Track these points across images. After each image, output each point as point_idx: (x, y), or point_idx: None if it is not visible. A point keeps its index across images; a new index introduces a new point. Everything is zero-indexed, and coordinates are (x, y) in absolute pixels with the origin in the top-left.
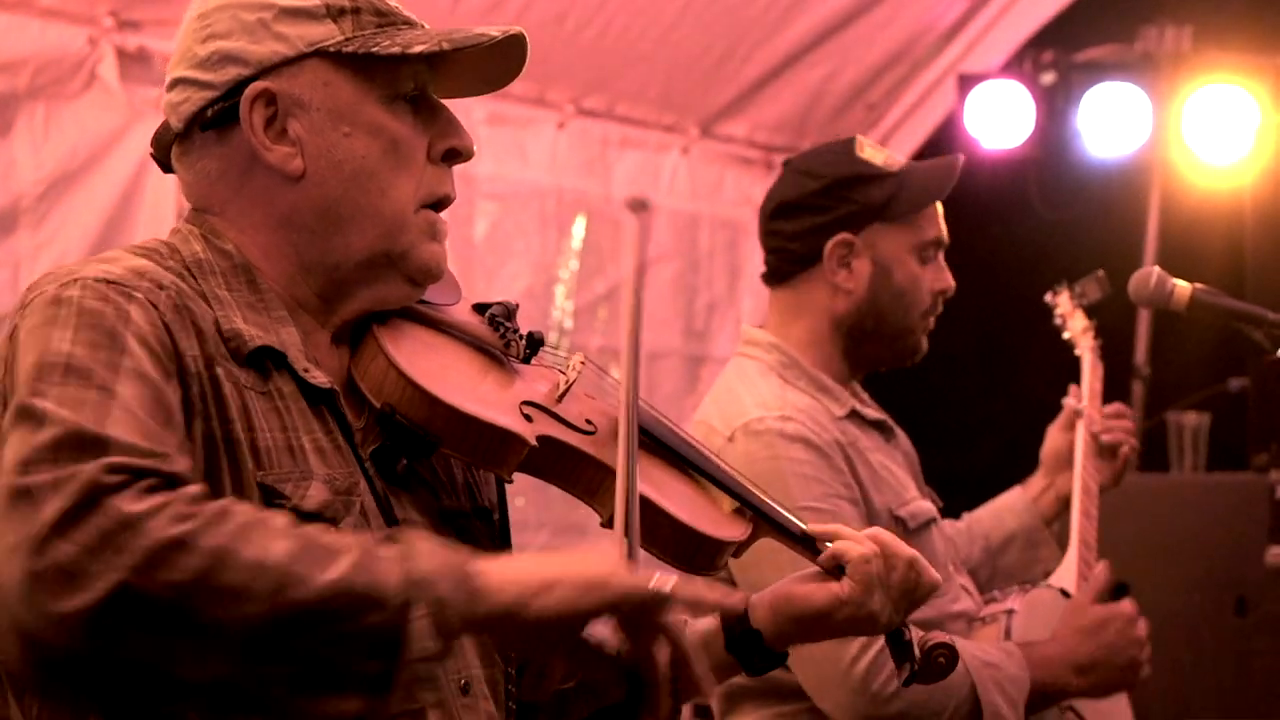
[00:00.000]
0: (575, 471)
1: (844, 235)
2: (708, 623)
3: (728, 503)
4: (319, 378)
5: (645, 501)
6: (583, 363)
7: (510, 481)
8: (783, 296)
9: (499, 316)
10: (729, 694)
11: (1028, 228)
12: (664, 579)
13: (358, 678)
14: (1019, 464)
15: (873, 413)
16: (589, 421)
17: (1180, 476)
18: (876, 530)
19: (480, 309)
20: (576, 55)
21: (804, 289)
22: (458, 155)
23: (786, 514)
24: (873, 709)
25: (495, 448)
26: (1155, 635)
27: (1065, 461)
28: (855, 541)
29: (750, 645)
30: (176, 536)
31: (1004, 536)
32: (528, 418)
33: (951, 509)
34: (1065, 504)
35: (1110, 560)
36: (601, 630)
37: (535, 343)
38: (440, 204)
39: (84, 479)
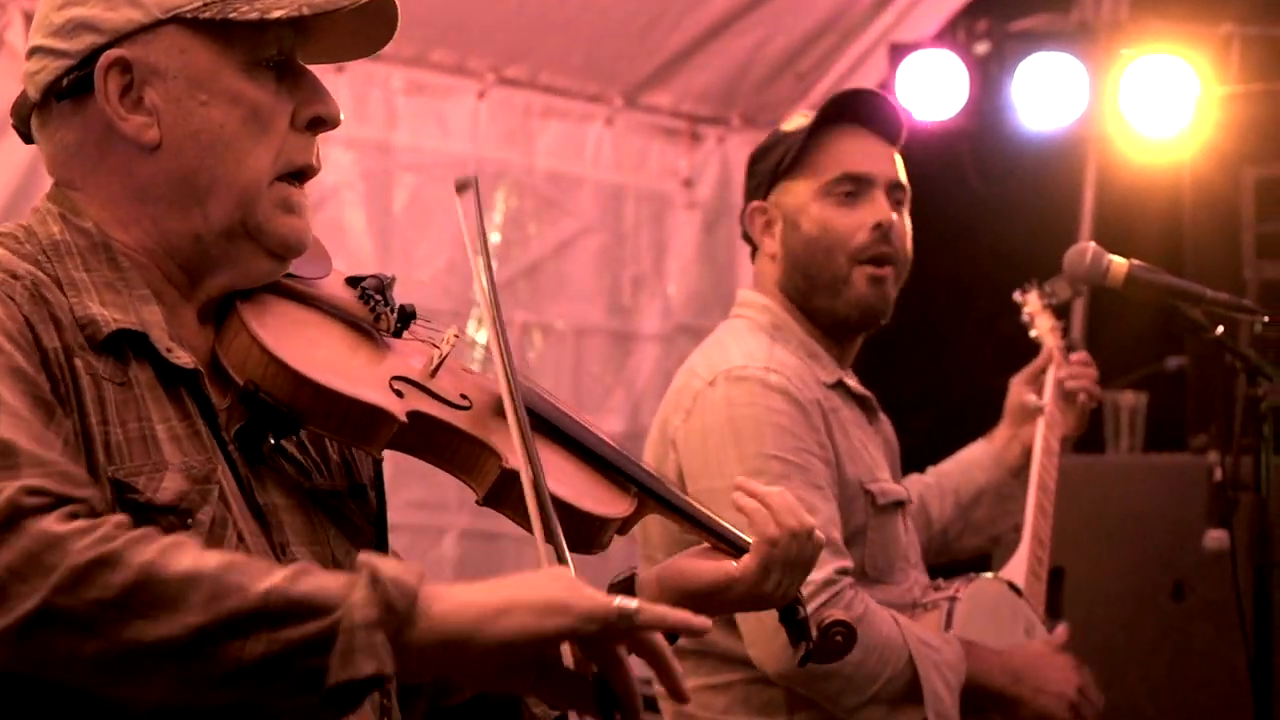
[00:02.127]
0: (449, 448)
1: (755, 204)
2: None
3: (609, 478)
4: (182, 357)
5: (520, 478)
6: (456, 335)
7: (380, 459)
8: (756, 266)
9: (370, 290)
10: None
11: (961, 201)
12: (626, 599)
13: (301, 676)
14: (953, 439)
15: (860, 388)
16: (464, 396)
17: (1117, 458)
18: (780, 492)
19: (353, 282)
20: (497, 22)
21: (756, 266)
22: (322, 123)
23: (676, 491)
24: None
25: (363, 424)
26: (1090, 620)
27: (1030, 412)
28: (762, 520)
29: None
30: (102, 554)
31: (974, 492)
32: (398, 393)
33: None
34: (1029, 454)
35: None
36: (565, 654)
37: (406, 316)
38: (302, 174)
39: (3, 501)
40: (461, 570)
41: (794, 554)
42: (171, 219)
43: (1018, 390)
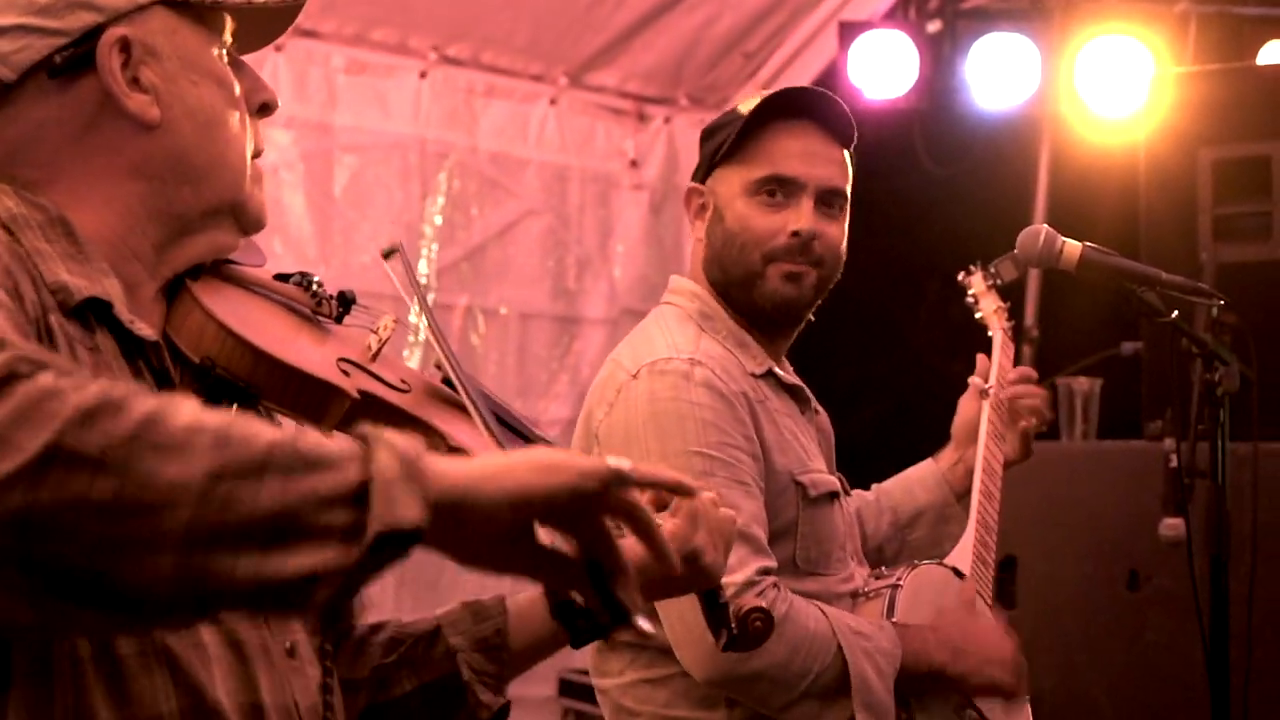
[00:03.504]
0: (395, 428)
1: (693, 185)
2: (530, 593)
3: None
4: (143, 329)
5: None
6: (395, 322)
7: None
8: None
9: (302, 281)
10: (604, 644)
11: (912, 183)
12: (620, 458)
13: (324, 529)
14: (903, 429)
15: (791, 377)
16: (404, 381)
17: (1070, 444)
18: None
19: (282, 278)
20: (440, 0)
21: (692, 249)
22: (267, 109)
23: None
24: (730, 666)
25: (318, 400)
26: (1044, 610)
27: (976, 434)
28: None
29: (575, 611)
30: (107, 400)
31: (913, 510)
32: (345, 373)
33: None
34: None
35: (998, 531)
36: (547, 537)
37: (347, 302)
38: (257, 156)
39: None
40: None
41: (718, 519)
42: (159, 197)
43: (964, 409)
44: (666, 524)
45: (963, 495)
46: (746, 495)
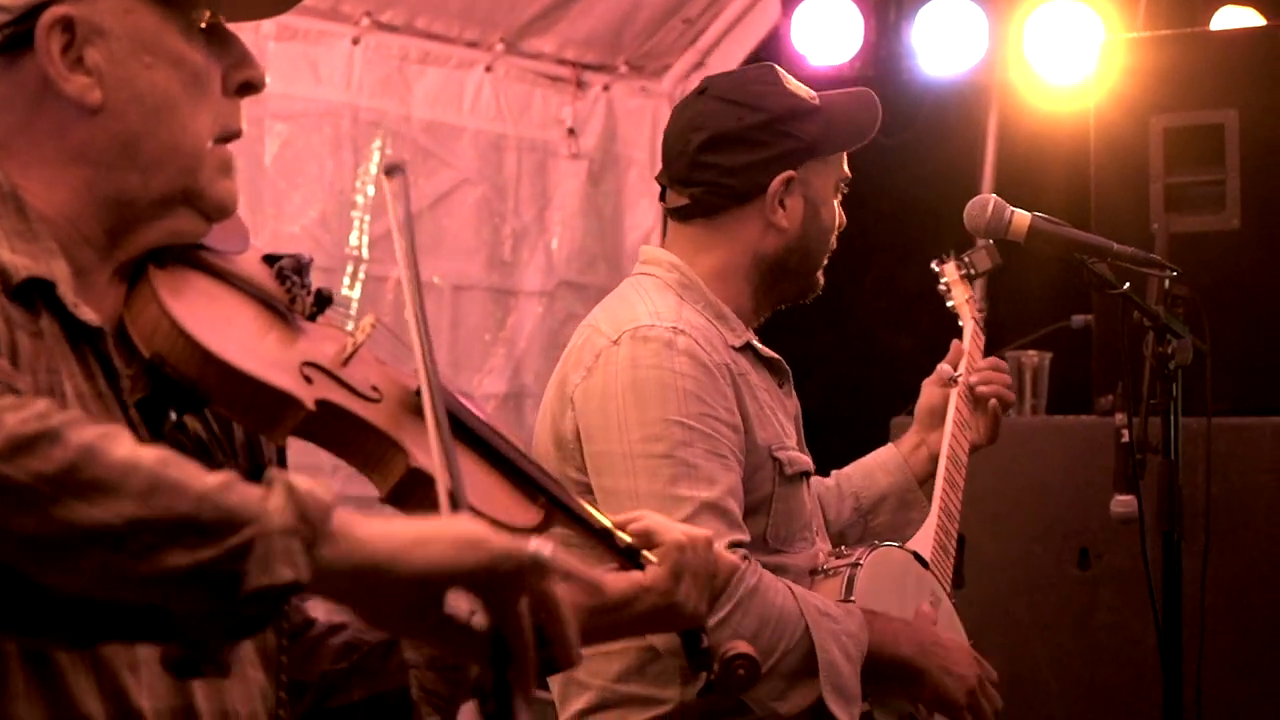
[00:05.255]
0: (355, 441)
1: (789, 173)
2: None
3: (515, 486)
4: (87, 314)
5: (429, 478)
6: (373, 325)
7: (283, 446)
8: (697, 228)
9: (288, 270)
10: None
11: (857, 152)
12: (542, 543)
13: (221, 585)
14: (849, 401)
15: (768, 352)
16: (375, 389)
17: (1019, 419)
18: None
19: (270, 260)
20: None
21: (732, 224)
22: (251, 87)
23: (583, 504)
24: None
25: (269, 409)
26: (992, 589)
27: (939, 418)
28: (663, 527)
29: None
30: (43, 429)
31: (875, 496)
32: (308, 380)
33: None
34: (936, 462)
35: None
36: (458, 604)
37: (323, 300)
38: (230, 139)
39: None
40: None
41: (705, 564)
42: (106, 183)
43: (927, 394)
44: (649, 572)
45: (924, 480)
46: (725, 468)
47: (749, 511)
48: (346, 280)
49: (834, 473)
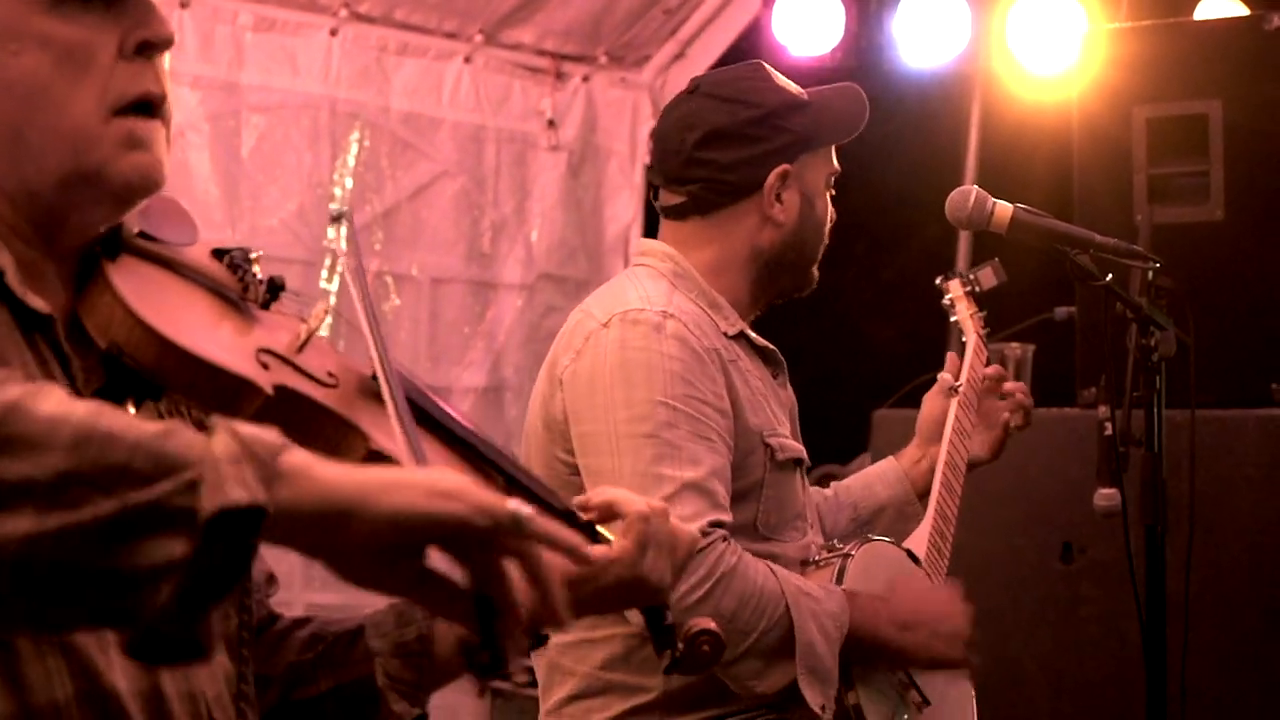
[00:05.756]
0: (315, 426)
1: (785, 166)
2: None
3: (474, 470)
4: (36, 302)
5: (389, 460)
6: (325, 311)
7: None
8: (693, 225)
9: (239, 260)
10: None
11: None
12: (521, 503)
13: (166, 525)
14: (831, 393)
15: (763, 341)
16: (331, 374)
17: None
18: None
19: (219, 254)
20: None
21: (728, 220)
22: (152, 46)
23: (543, 484)
24: (674, 613)
25: (228, 395)
26: (975, 583)
27: (940, 431)
28: (627, 497)
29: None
30: None
31: (874, 507)
32: (264, 366)
33: None
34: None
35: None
36: (440, 563)
37: (275, 288)
38: (142, 104)
39: None
40: None
41: (668, 536)
42: (8, 177)
43: (929, 406)
44: (615, 545)
45: (924, 493)
46: (710, 450)
47: (739, 497)
48: (324, 274)
49: (833, 484)
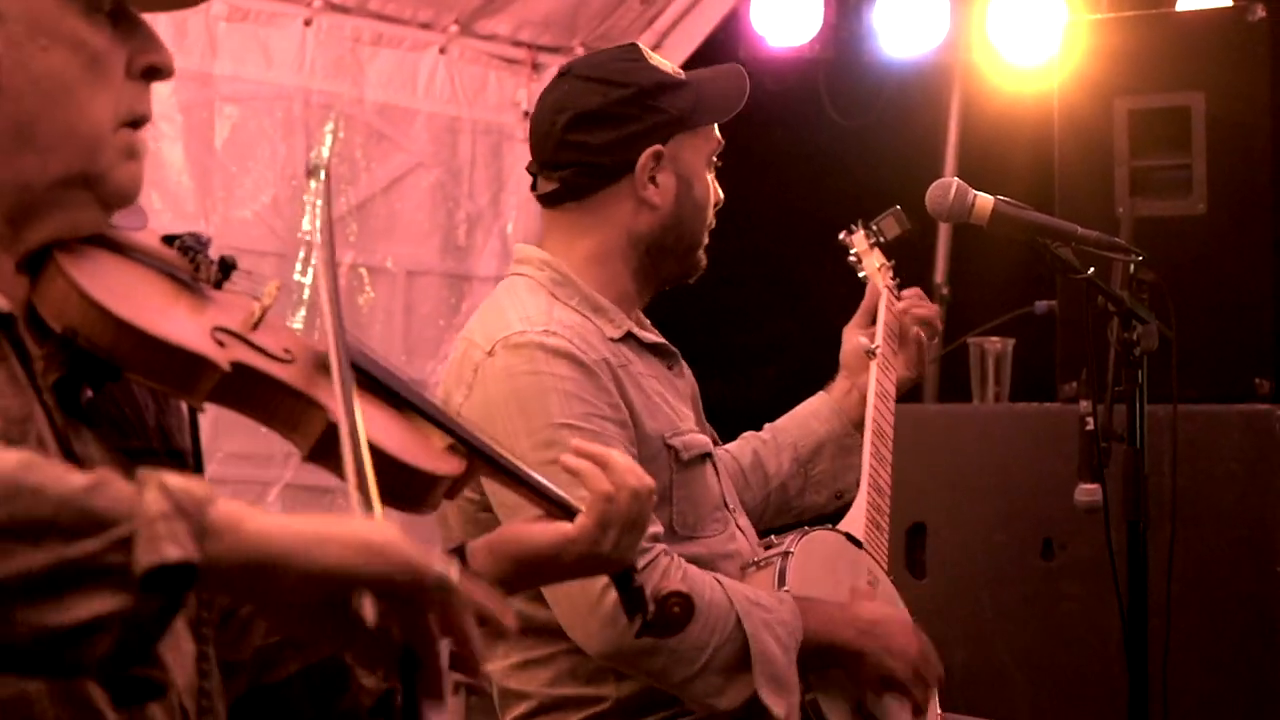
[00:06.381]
0: (273, 402)
1: (657, 147)
2: None
3: (439, 439)
4: (1, 301)
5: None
6: (278, 288)
7: (202, 410)
8: (569, 214)
9: (189, 243)
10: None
11: (817, 134)
12: (449, 562)
13: (97, 579)
14: (808, 388)
15: (652, 336)
16: (287, 350)
17: (981, 407)
18: (607, 451)
19: (169, 240)
20: None
21: (603, 205)
22: (158, 72)
23: (506, 454)
24: (624, 640)
25: (185, 373)
26: (954, 580)
27: (864, 363)
28: (594, 475)
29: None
30: None
31: (813, 445)
32: (220, 344)
33: (730, 440)
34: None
35: (906, 497)
36: (366, 608)
37: (227, 267)
38: (138, 123)
39: None
40: None
41: (634, 513)
42: (4, 167)
43: (851, 337)
44: (577, 523)
45: (860, 423)
46: None
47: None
48: (299, 266)
49: (767, 426)
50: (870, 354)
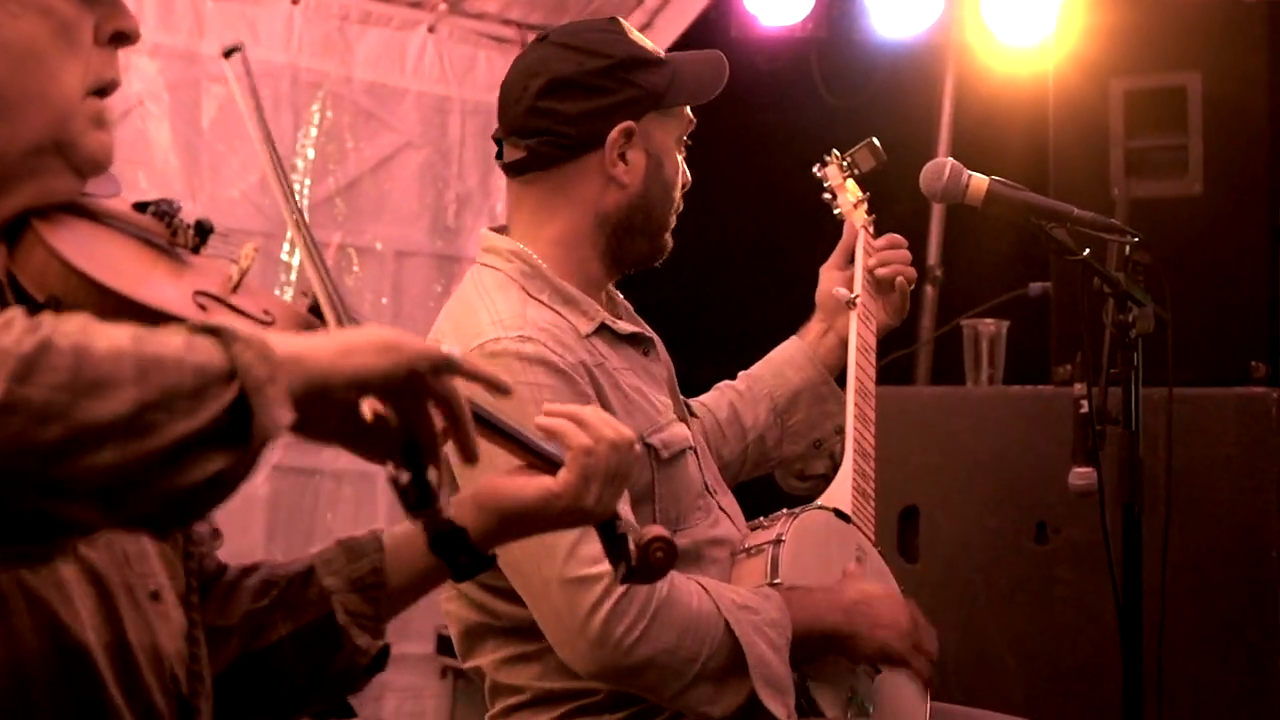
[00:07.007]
0: None
1: (629, 124)
2: (405, 527)
3: None
4: None
5: None
6: (255, 250)
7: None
8: (538, 189)
9: (164, 208)
10: (470, 631)
11: (809, 115)
12: (452, 345)
13: (222, 441)
14: None
15: (626, 326)
16: (267, 312)
17: (976, 389)
18: (579, 408)
19: (140, 206)
20: None
21: (570, 180)
22: (125, 38)
23: (486, 405)
24: (615, 658)
25: None
26: (947, 564)
27: (839, 304)
28: (571, 432)
29: (455, 545)
30: (39, 340)
31: (789, 394)
32: (202, 307)
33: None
34: (846, 347)
35: (899, 480)
36: (369, 409)
37: (204, 231)
38: (107, 90)
39: None
40: (274, 508)
41: (614, 465)
42: None
43: (827, 278)
44: (559, 478)
45: (836, 371)
46: None
47: (635, 502)
48: (286, 245)
49: (741, 374)
50: (850, 304)
